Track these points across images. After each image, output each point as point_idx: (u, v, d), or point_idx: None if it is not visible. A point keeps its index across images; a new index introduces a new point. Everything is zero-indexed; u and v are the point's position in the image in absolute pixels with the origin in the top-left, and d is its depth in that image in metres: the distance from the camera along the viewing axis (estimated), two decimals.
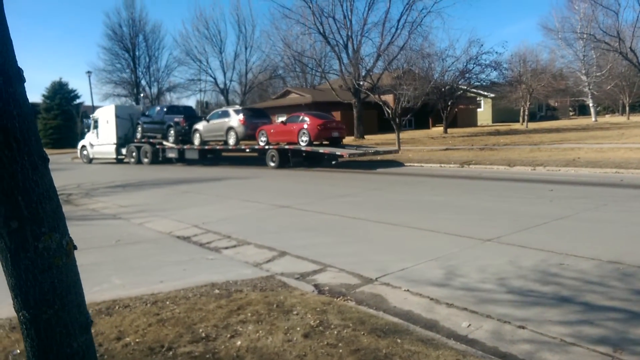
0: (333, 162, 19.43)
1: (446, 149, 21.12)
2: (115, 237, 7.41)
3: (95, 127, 27.53)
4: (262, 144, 19.39)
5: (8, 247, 1.82)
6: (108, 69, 48.56)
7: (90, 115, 29.04)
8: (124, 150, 26.12)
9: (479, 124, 45.73)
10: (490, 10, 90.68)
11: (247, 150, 20.36)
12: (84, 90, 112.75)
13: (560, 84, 41.52)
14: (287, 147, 18.42)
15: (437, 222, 7.43)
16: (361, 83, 30.20)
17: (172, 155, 23.42)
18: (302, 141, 17.96)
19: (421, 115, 39.08)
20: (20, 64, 1.82)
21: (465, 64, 31.28)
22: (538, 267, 4.98)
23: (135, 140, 25.36)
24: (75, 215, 9.82)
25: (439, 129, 37.27)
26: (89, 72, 41.80)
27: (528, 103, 37.68)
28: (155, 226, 8.33)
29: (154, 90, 50.30)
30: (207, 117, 22.15)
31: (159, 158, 24.15)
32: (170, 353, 3.16)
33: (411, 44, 30.07)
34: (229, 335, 3.40)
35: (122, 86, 49.87)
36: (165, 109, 24.77)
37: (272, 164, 18.72)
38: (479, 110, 47.32)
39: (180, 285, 4.73)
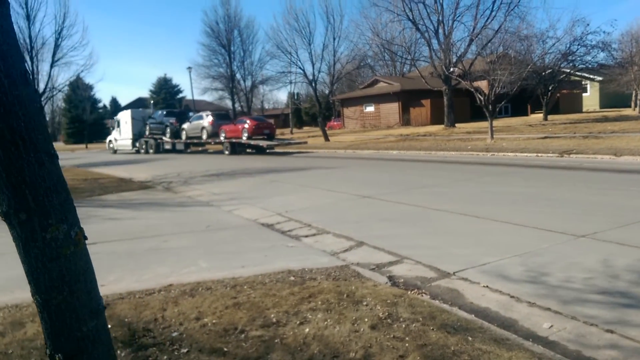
0: (278, 151, 26.45)
1: (545, 137, 19.78)
2: (205, 223, 7.88)
3: (118, 126, 36.85)
4: (222, 138, 26.95)
5: (20, 237, 1.98)
6: (206, 64, 51.20)
7: (114, 118, 37.94)
8: (137, 144, 34.58)
9: (584, 109, 42.11)
10: None
11: (212, 143, 28.76)
12: (186, 85, 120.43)
13: None
14: (234, 140, 26.09)
15: (527, 215, 7.01)
16: (452, 69, 29.10)
17: (168, 147, 32.11)
18: (244, 136, 25.39)
19: (518, 102, 36.90)
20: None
21: (568, 46, 29.00)
22: (635, 266, 4.53)
23: (145, 136, 33.69)
24: (174, 202, 10.59)
25: (538, 116, 34.98)
26: (189, 67, 44.76)
27: None
28: (243, 213, 8.72)
29: (248, 83, 52.13)
30: (190, 119, 30.00)
31: (160, 149, 32.45)
32: (242, 335, 3.32)
33: (507, 26, 28.35)
34: (298, 322, 3.49)
35: (219, 80, 52.29)
36: (164, 112, 33.70)
37: (227, 152, 26.51)
38: (584, 95, 43.49)
39: (260, 271, 4.93)
